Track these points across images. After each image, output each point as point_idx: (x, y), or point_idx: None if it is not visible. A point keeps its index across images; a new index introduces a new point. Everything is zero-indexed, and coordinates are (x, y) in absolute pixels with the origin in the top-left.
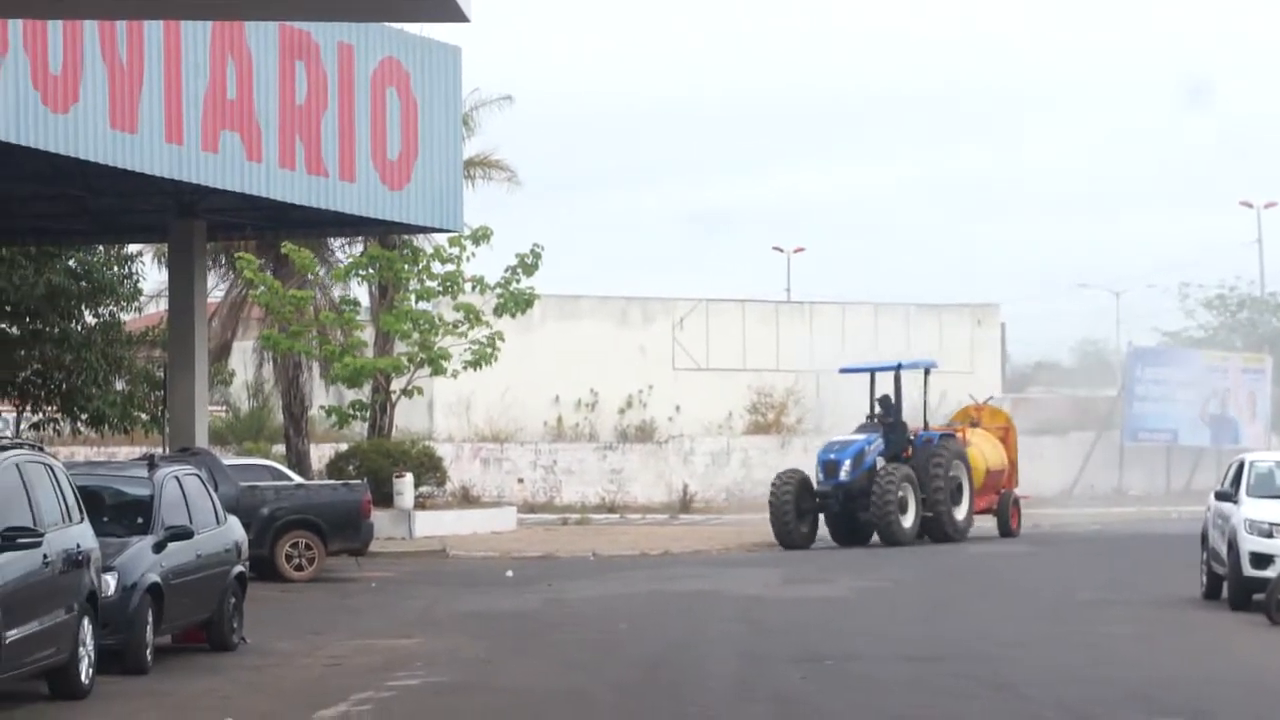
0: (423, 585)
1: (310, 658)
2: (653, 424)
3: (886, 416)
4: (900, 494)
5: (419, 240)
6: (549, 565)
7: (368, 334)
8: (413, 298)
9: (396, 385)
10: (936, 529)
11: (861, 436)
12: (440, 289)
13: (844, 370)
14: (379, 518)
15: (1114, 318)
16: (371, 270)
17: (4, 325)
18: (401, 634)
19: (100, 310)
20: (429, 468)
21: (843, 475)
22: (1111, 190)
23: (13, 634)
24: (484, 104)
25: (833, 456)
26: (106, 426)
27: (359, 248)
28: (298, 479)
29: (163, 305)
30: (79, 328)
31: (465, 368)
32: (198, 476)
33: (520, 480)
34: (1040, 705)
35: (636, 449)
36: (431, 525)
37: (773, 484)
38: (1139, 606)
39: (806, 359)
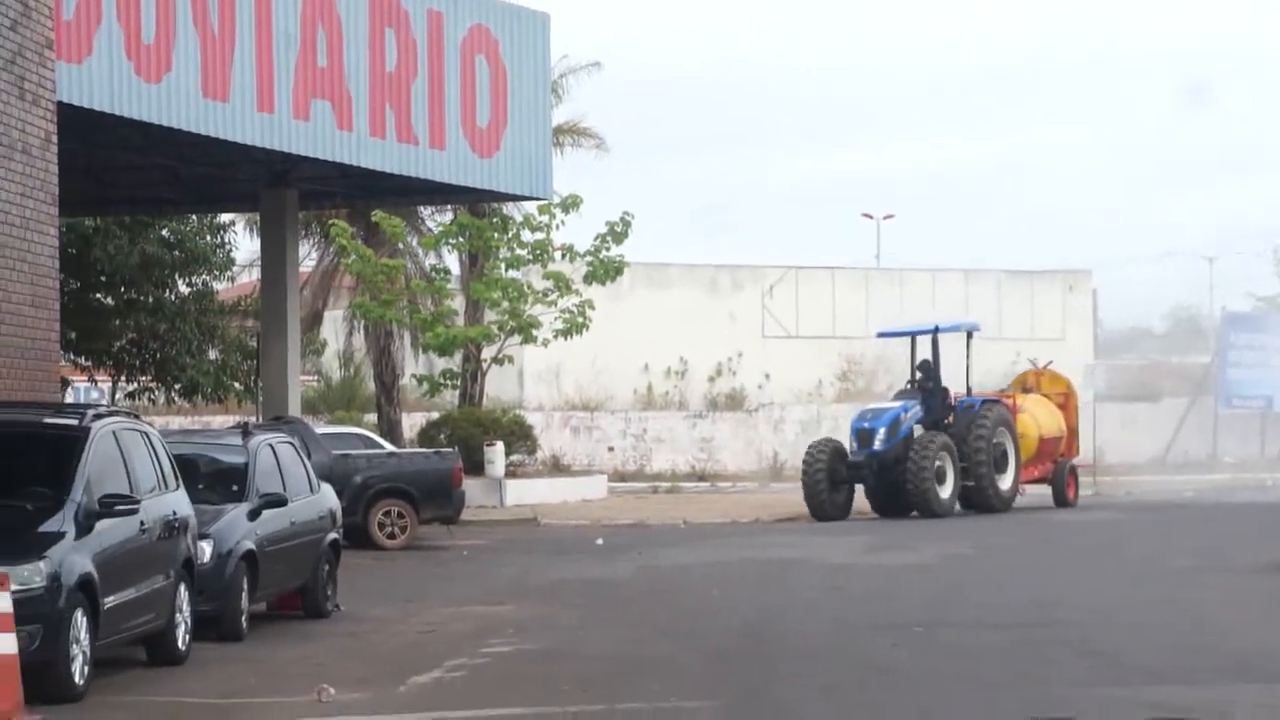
0: (514, 553)
1: (404, 624)
2: (742, 392)
3: (927, 382)
4: (938, 463)
5: (509, 208)
6: (639, 533)
7: (458, 302)
8: (503, 266)
9: (487, 354)
10: (979, 499)
11: (898, 404)
12: (530, 257)
13: (881, 334)
14: (470, 486)
15: (1207, 283)
16: (461, 239)
17: (99, 295)
18: (493, 601)
19: (193, 280)
20: (519, 436)
21: (877, 444)
22: (1205, 157)
23: (111, 600)
24: (573, 71)
25: (866, 425)
26: (200, 396)
27: (449, 216)
28: (390, 447)
29: (255, 274)
30: (173, 297)
31: (555, 336)
32: (291, 445)
33: (610, 448)
34: (1128, 671)
35: (726, 417)
36: (522, 493)
37: (805, 453)
38: (1234, 574)
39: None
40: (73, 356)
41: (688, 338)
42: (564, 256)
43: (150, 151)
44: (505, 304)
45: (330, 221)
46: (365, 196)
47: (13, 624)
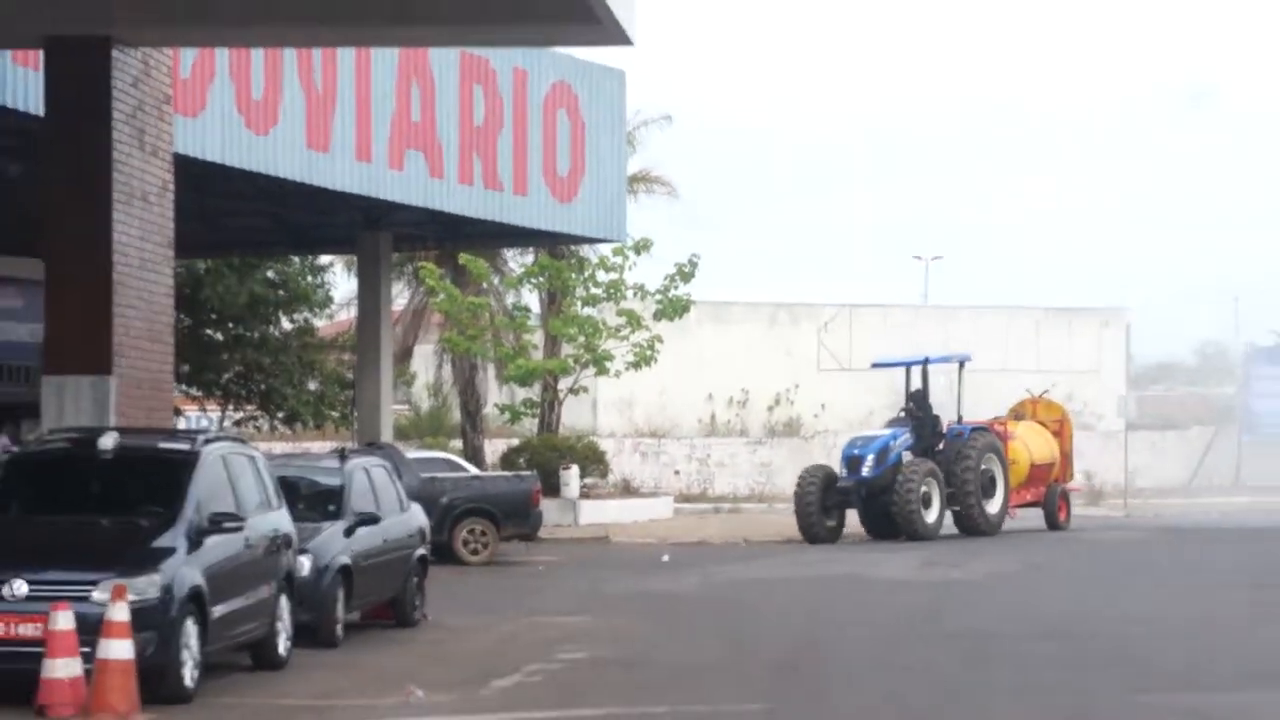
0: (586, 568)
1: (485, 633)
2: (799, 420)
3: (918, 410)
4: (924, 489)
5: (585, 250)
6: (703, 551)
7: (537, 337)
8: (579, 304)
9: (564, 385)
10: (967, 523)
11: (887, 432)
12: (604, 295)
13: (876, 365)
14: (547, 506)
15: (1232, 321)
16: (541, 278)
17: (210, 331)
18: (568, 612)
19: (295, 316)
20: (593, 460)
21: (864, 471)
22: (1234, 201)
23: (218, 609)
24: (645, 123)
25: (855, 452)
26: (300, 423)
27: (530, 257)
28: (473, 470)
29: (352, 312)
30: (277, 333)
31: (627, 368)
32: (384, 468)
33: (676, 472)
34: (1165, 678)
35: (784, 443)
36: (595, 513)
37: (798, 480)
38: (1260, 589)
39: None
40: (185, 387)
41: (748, 370)
42: (635, 295)
43: (257, 199)
44: (581, 339)
45: (420, 264)
46: (453, 239)
47: (130, 631)
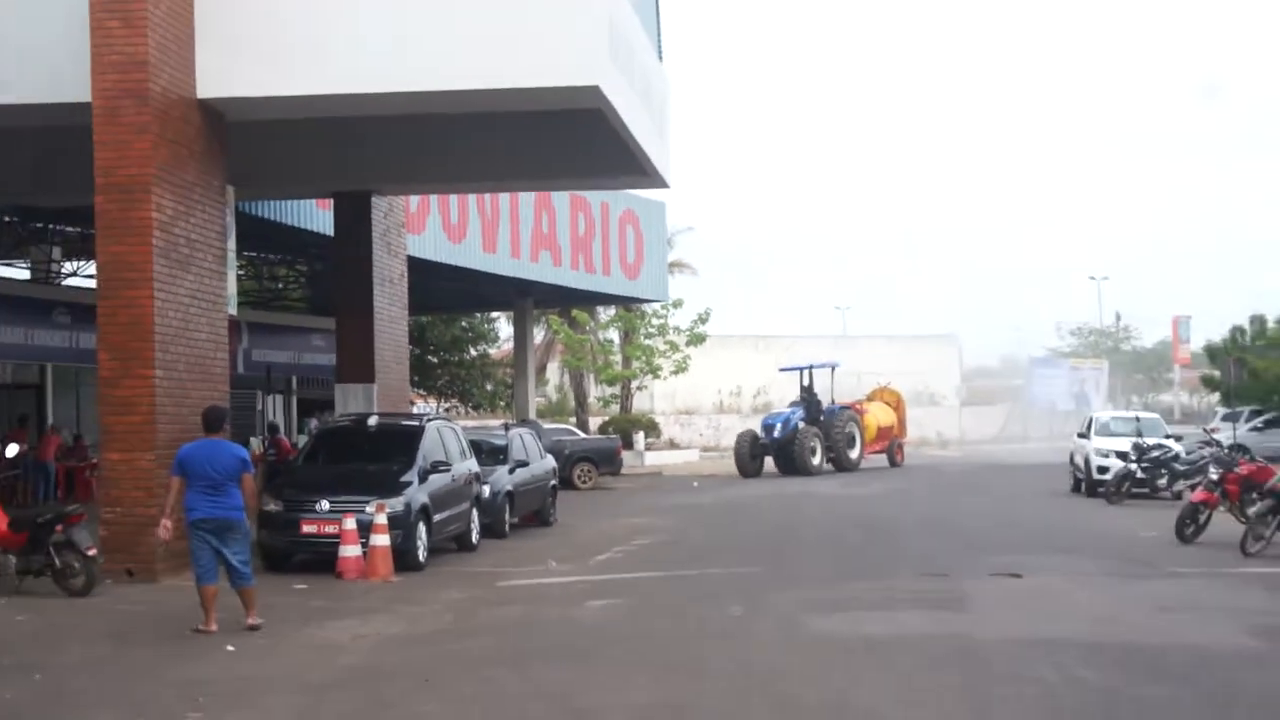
0: (648, 491)
1: (590, 529)
2: (769, 404)
3: (807, 395)
4: (811, 444)
5: (644, 307)
6: (715, 480)
7: (618, 357)
8: (641, 337)
9: (634, 385)
10: (839, 464)
11: (789, 409)
12: (656, 332)
13: (782, 369)
14: (626, 455)
15: (1017, 339)
16: (619, 323)
17: (429, 357)
18: (637, 515)
19: (478, 347)
20: (651, 428)
21: (776, 434)
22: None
23: (438, 517)
24: (678, 232)
25: (770, 422)
26: (482, 409)
27: (612, 311)
28: (583, 435)
29: (510, 344)
30: (468, 357)
31: (670, 375)
32: (531, 434)
33: (700, 434)
34: (989, 546)
35: (760, 416)
36: (653, 459)
37: (736, 439)
38: (1040, 496)
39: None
40: (416, 389)
41: (740, 374)
42: (674, 331)
43: (455, 279)
44: (643, 358)
45: (549, 315)
46: (569, 301)
47: (387, 530)
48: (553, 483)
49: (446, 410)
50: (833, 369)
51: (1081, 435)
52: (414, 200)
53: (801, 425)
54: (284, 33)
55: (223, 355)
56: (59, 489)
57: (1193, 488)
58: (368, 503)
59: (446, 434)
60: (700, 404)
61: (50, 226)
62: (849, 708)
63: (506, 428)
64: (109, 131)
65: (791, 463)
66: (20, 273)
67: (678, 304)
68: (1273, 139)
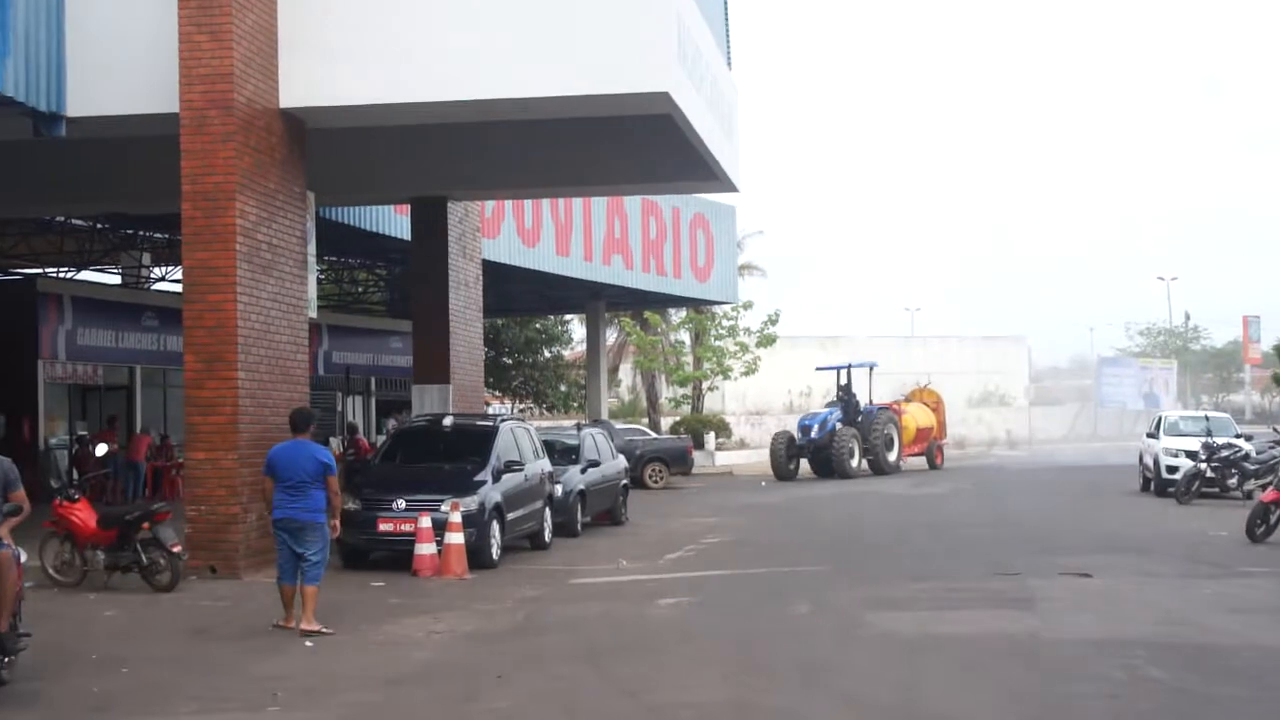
0: (718, 490)
1: (661, 528)
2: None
3: (845, 396)
4: (850, 445)
5: (715, 308)
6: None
7: (689, 358)
8: (712, 338)
9: (706, 385)
10: (876, 467)
11: (827, 409)
12: (726, 333)
13: (819, 369)
14: (697, 455)
15: (1089, 340)
16: (690, 325)
17: (504, 358)
18: (708, 515)
19: (552, 348)
20: (722, 428)
21: (813, 434)
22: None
23: (511, 515)
24: (748, 235)
25: (806, 423)
26: (555, 409)
27: (684, 313)
28: (654, 435)
29: (583, 346)
30: (542, 358)
31: (741, 375)
32: (603, 434)
33: (771, 434)
34: (1051, 547)
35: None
36: (724, 459)
37: (771, 440)
38: (1109, 495)
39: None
40: (491, 390)
41: (809, 373)
42: (745, 332)
43: (530, 282)
44: (714, 359)
45: (621, 318)
46: (640, 304)
47: (462, 528)
48: (624, 482)
49: (521, 411)
50: (871, 369)
51: (1150, 435)
52: (489, 205)
53: (839, 426)
54: (364, 43)
55: (303, 357)
56: (147, 487)
57: (1263, 487)
58: (443, 501)
59: (520, 434)
60: (771, 404)
61: (140, 233)
62: (917, 706)
63: (579, 428)
64: (195, 141)
65: (828, 465)
66: (111, 278)
67: (748, 305)
68: None
